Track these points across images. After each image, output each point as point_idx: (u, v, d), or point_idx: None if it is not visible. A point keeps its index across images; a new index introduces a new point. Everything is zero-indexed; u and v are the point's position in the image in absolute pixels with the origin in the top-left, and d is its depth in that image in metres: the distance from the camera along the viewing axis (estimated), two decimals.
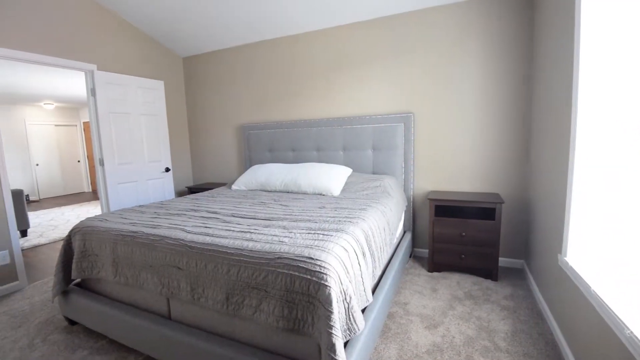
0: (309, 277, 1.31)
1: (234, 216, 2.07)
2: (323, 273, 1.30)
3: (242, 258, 1.46)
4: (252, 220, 1.95)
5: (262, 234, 1.65)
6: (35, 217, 5.86)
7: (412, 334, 2.03)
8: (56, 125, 8.63)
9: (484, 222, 2.65)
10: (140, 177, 3.68)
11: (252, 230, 1.71)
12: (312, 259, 1.35)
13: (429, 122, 3.13)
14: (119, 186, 3.46)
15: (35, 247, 4.14)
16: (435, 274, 2.89)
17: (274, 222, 1.86)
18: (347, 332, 1.35)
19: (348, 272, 1.44)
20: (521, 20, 2.72)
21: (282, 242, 1.53)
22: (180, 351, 1.62)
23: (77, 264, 2.00)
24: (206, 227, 1.82)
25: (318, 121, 3.50)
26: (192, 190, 4.07)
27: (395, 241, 2.42)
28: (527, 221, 2.84)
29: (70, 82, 5.75)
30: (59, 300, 2.18)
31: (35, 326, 2.28)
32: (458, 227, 2.73)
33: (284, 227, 1.76)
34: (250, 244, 1.52)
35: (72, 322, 2.23)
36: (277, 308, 1.38)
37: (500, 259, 3.03)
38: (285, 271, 1.37)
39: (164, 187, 3.95)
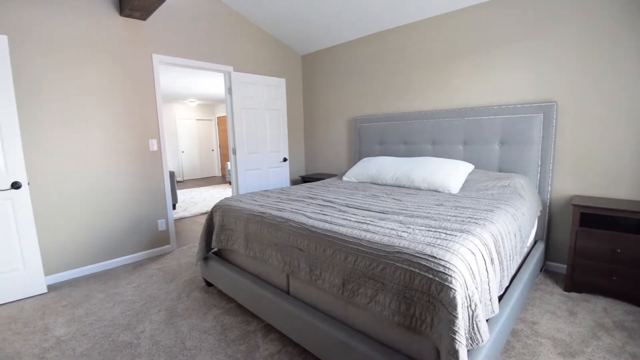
0: (430, 276, 1.25)
1: (348, 206, 2.12)
2: (447, 274, 1.22)
3: (360, 247, 1.49)
4: (366, 211, 1.96)
5: (378, 226, 1.65)
6: (180, 195, 7.14)
7: (541, 357, 1.76)
8: (197, 120, 10.28)
9: None
10: (262, 165, 4.12)
11: (368, 222, 1.72)
12: (435, 257, 1.28)
13: (576, 113, 2.62)
14: (246, 172, 3.95)
15: (180, 219, 5.04)
16: (573, 294, 2.44)
17: (389, 216, 1.84)
18: (469, 341, 1.25)
19: (474, 278, 1.32)
20: None
21: (400, 236, 1.49)
22: (297, 325, 1.75)
23: (217, 236, 2.35)
24: (324, 214, 1.91)
25: (435, 113, 3.29)
26: (305, 179, 4.35)
27: (525, 250, 2.12)
28: None
29: (209, 82, 6.76)
30: (200, 264, 2.61)
31: (182, 283, 2.78)
32: (611, 241, 2.24)
33: (401, 222, 1.71)
34: (368, 235, 1.53)
35: (209, 284, 2.64)
36: (394, 302, 1.36)
37: None
38: (405, 266, 1.33)
39: (281, 175, 4.33)
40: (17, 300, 2.58)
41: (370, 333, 1.52)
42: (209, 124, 10.57)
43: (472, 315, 1.25)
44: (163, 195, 3.47)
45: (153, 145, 3.34)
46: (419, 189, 2.73)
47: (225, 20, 3.80)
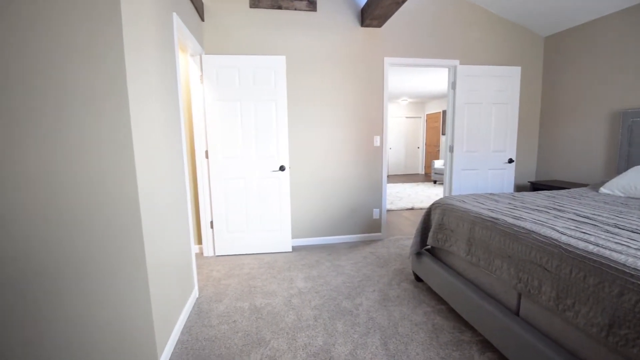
0: None
1: (618, 227, 1.61)
2: None
3: None
4: None
5: None
6: (387, 189, 7.59)
7: None
8: (406, 118, 10.59)
9: None
10: (482, 165, 3.77)
11: None
12: None
13: None
14: (462, 172, 3.73)
15: (388, 211, 5.35)
16: None
17: None
18: None
19: None
20: None
21: None
22: (528, 355, 1.50)
23: (434, 234, 2.33)
24: (583, 232, 1.53)
25: None
26: (536, 186, 3.67)
27: None
28: None
29: (423, 79, 6.76)
30: (412, 258, 2.67)
31: (392, 271, 2.94)
32: None
33: None
34: None
35: (418, 279, 2.67)
36: None
37: None
38: None
39: (503, 179, 3.84)
40: (273, 253, 3.45)
41: None
42: (417, 121, 10.67)
43: None
44: (380, 187, 3.77)
45: (377, 141, 3.67)
46: None
47: (452, 10, 3.66)
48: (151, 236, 1.66)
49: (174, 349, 1.89)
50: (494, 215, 1.88)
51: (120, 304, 1.58)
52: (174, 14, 2.22)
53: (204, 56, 3.10)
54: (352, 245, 3.64)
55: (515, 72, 3.70)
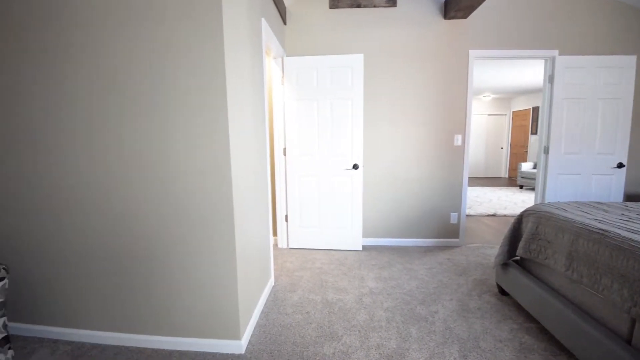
0: None
1: None
2: None
3: None
4: None
5: None
6: None
7: None
8: (488, 115, 9.76)
9: None
10: (584, 170, 3.30)
11: None
12: None
13: None
14: (559, 176, 3.32)
15: (466, 216, 5.01)
16: None
17: None
18: None
19: None
20: None
21: None
22: None
23: (525, 244, 2.11)
24: None
25: None
26: None
27: None
28: None
29: (509, 73, 6.14)
30: (497, 268, 2.46)
31: (471, 280, 2.75)
32: None
33: None
34: None
35: (503, 292, 2.45)
36: None
37: None
38: None
39: (610, 186, 3.32)
40: (343, 250, 3.48)
41: None
42: (501, 119, 9.77)
43: None
44: (460, 189, 3.55)
45: (458, 140, 3.46)
46: None
47: None
48: (240, 226, 1.81)
49: (254, 331, 2.03)
50: (603, 227, 1.64)
51: (213, 284, 1.76)
52: (263, 19, 2.37)
53: (285, 58, 3.25)
54: (426, 250, 3.49)
55: (629, 62, 3.16)
